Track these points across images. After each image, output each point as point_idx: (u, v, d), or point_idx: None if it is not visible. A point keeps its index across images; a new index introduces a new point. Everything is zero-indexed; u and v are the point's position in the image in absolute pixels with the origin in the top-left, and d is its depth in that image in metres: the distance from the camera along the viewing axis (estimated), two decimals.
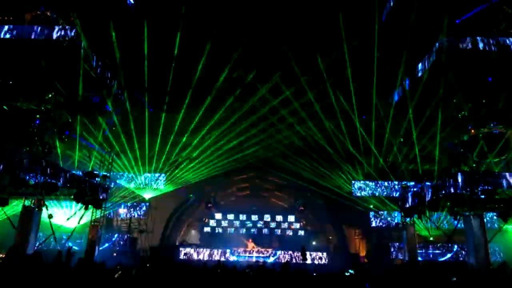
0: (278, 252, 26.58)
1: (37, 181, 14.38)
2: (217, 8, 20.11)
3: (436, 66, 15.83)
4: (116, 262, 13.21)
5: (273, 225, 31.21)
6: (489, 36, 15.03)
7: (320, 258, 25.74)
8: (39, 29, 14.77)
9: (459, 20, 15.57)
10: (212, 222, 31.19)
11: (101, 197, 18.49)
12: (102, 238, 19.49)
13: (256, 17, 20.34)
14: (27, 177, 14.51)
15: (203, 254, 26.28)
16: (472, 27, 15.40)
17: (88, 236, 18.23)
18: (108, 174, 19.40)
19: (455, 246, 25.38)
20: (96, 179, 18.32)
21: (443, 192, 15.80)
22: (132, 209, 27.05)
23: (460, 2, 15.57)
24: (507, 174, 15.27)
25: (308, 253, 24.55)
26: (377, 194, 25.78)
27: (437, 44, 15.75)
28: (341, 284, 8.62)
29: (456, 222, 16.12)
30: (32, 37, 14.60)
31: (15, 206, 16.84)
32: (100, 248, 19.60)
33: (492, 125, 17.41)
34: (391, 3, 18.72)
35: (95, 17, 16.15)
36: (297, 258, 25.34)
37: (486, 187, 14.97)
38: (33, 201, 14.62)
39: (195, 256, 26.05)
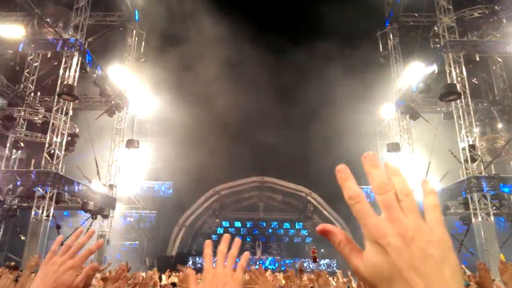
0: (287, 261, 26.29)
1: (45, 192, 14.44)
2: None
3: None
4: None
5: (281, 232, 30.92)
6: None
7: (329, 266, 25.38)
8: None
9: None
10: (220, 230, 31.00)
11: (108, 207, 18.51)
12: (110, 248, 19.45)
13: None
14: (35, 188, 14.59)
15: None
16: None
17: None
18: (115, 184, 19.44)
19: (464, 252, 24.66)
20: (104, 188, 18.33)
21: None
22: (139, 218, 26.98)
23: None
24: None
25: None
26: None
27: None
28: None
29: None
30: None
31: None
32: (108, 258, 19.54)
33: None
34: None
35: None
36: (308, 261, 24.90)
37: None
38: (41, 211, 14.63)
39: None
